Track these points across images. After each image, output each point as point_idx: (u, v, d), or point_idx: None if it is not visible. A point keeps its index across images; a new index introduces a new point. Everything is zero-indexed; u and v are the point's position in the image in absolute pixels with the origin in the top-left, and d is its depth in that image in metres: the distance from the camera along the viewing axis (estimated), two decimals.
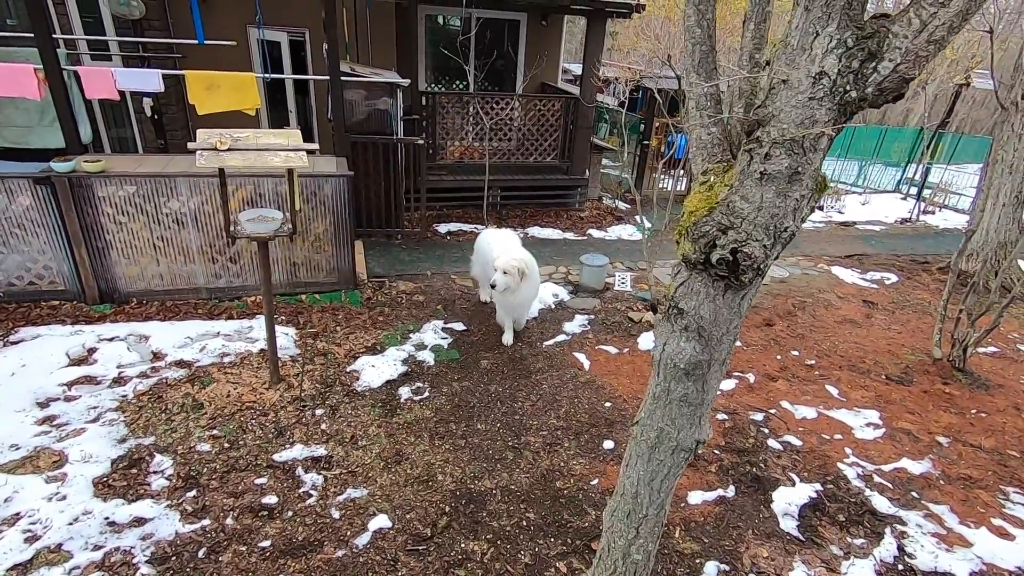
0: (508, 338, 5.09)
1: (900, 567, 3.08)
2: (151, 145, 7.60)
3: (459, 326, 5.36)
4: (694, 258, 1.44)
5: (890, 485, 3.69)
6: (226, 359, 4.44)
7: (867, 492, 3.61)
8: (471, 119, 8.36)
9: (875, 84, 1.20)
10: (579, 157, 8.96)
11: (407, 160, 7.39)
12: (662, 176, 12.49)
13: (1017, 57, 7.16)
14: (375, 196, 6.85)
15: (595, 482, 3.55)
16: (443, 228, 7.86)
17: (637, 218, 10.06)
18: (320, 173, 5.09)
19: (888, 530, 3.31)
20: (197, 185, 4.82)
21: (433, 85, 9.84)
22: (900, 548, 3.19)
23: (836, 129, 1.28)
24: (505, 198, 8.95)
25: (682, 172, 14.14)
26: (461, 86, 9.95)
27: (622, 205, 10.76)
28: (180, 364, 4.31)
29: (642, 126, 11.43)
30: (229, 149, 3.34)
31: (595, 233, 8.48)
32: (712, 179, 1.47)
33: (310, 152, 3.55)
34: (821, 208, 12.09)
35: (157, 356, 4.39)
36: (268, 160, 3.39)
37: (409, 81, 6.71)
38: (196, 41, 5.64)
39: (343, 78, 5.85)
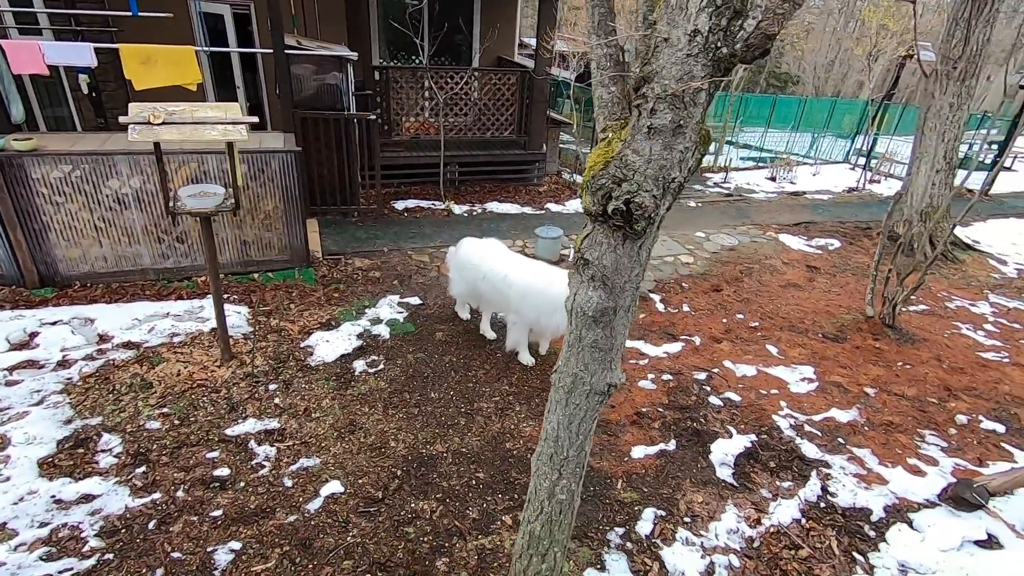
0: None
1: (823, 505, 3.32)
2: (90, 124, 7.30)
3: (415, 300, 5.40)
4: (594, 210, 1.54)
5: (819, 433, 3.94)
6: (176, 339, 4.40)
7: (797, 440, 3.86)
8: (425, 94, 8.28)
9: (743, 40, 1.30)
10: (536, 132, 8.99)
11: (361, 136, 7.31)
12: None
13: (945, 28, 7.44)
14: (328, 173, 6.77)
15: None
16: (400, 205, 7.83)
17: None
18: (266, 149, 5.02)
19: (814, 473, 3.56)
20: (137, 163, 4.69)
21: (387, 60, 9.68)
22: (824, 488, 3.44)
23: (713, 84, 1.38)
24: (463, 174, 8.95)
25: None
26: (416, 61, 9.81)
27: (580, 179, 10.86)
28: (128, 345, 4.25)
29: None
30: (163, 123, 3.27)
31: (553, 207, 8.57)
32: (610, 135, 1.56)
33: (252, 126, 3.51)
34: (774, 179, 12.44)
35: (103, 338, 4.32)
36: (205, 133, 3.34)
37: (357, 55, 6.60)
38: (130, 13, 5.42)
39: (289, 52, 5.73)
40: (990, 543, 3.09)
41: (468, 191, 8.77)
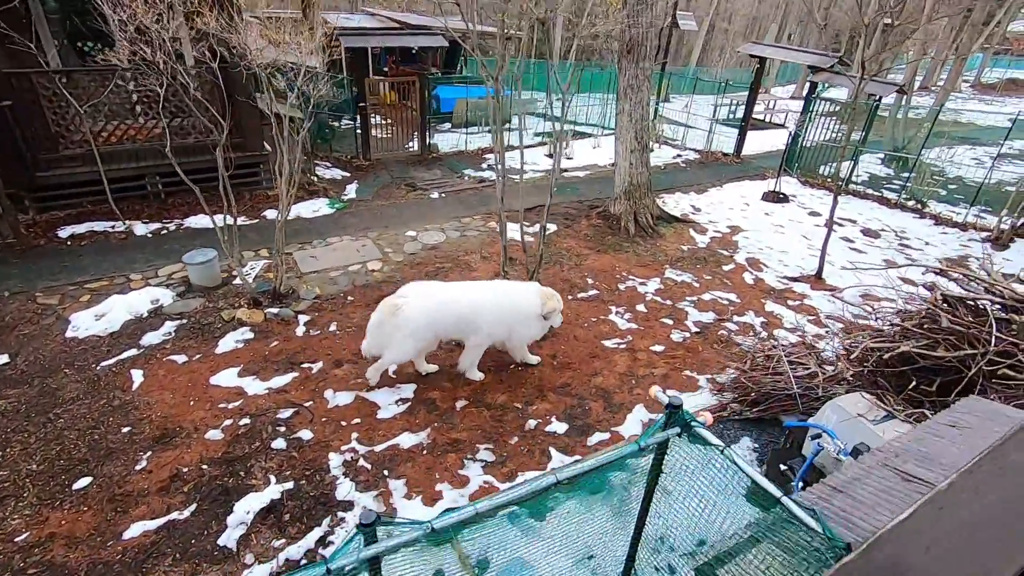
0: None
1: (304, 561, 3.19)
2: None
3: (2, 359, 4.70)
4: None
5: (370, 466, 3.83)
6: None
7: (340, 480, 3.72)
8: (96, 98, 7.27)
9: None
10: (251, 131, 8.29)
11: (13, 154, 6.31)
12: (413, 135, 12.20)
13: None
14: None
15: (24, 536, 3.26)
16: (67, 231, 6.89)
17: (351, 187, 9.73)
18: None
19: (327, 520, 3.43)
20: None
21: (70, 60, 8.43)
22: (323, 538, 3.31)
23: None
24: (169, 184, 8.08)
25: (450, 127, 13.92)
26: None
27: (341, 175, 10.31)
28: None
29: (354, 88, 10.88)
30: None
31: (271, 214, 7.98)
32: None
33: None
34: (551, 156, 12.58)
35: None
36: None
37: None
38: None
39: None
40: None
41: (175, 204, 7.95)
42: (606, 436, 4.17)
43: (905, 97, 12.94)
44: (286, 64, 6.26)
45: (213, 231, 7.32)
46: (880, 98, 9.77)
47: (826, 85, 10.52)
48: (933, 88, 25.75)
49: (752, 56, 11.52)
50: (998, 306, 3.09)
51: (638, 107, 7.56)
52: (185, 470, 3.74)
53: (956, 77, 16.48)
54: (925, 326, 3.21)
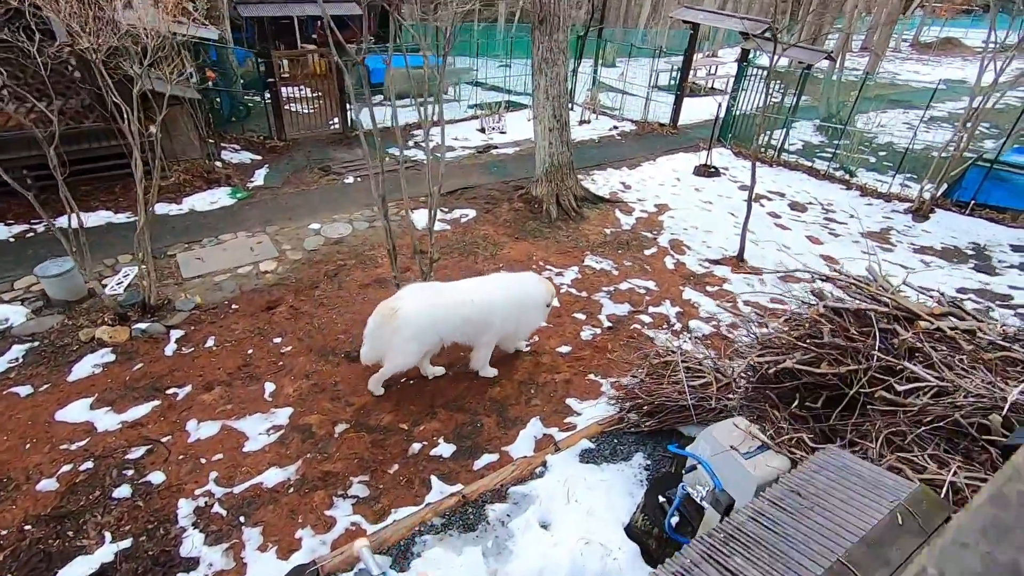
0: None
1: None
2: None
3: None
4: None
5: (225, 513, 3.43)
6: None
7: (188, 532, 3.31)
8: None
9: None
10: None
11: None
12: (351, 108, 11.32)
13: None
14: None
15: None
16: None
17: (260, 172, 8.99)
18: None
19: None
20: None
21: None
22: None
23: None
24: (44, 178, 7.22)
25: (382, 99, 13.04)
26: None
27: (251, 159, 9.51)
28: None
29: (261, 63, 9.95)
30: None
31: (161, 209, 7.25)
32: None
33: None
34: (483, 131, 11.97)
35: None
36: None
37: None
38: None
39: None
40: None
41: (49, 201, 7.07)
42: (495, 458, 3.87)
43: (838, 63, 12.80)
44: (130, 38, 5.32)
45: (93, 231, 6.62)
46: (810, 66, 9.53)
47: (757, 53, 10.22)
48: (873, 49, 25.90)
49: (685, 22, 11.08)
50: (884, 316, 2.88)
51: (555, 83, 7.08)
52: (3, 533, 3.26)
53: (886, 42, 16.45)
54: (807, 340, 2.99)
